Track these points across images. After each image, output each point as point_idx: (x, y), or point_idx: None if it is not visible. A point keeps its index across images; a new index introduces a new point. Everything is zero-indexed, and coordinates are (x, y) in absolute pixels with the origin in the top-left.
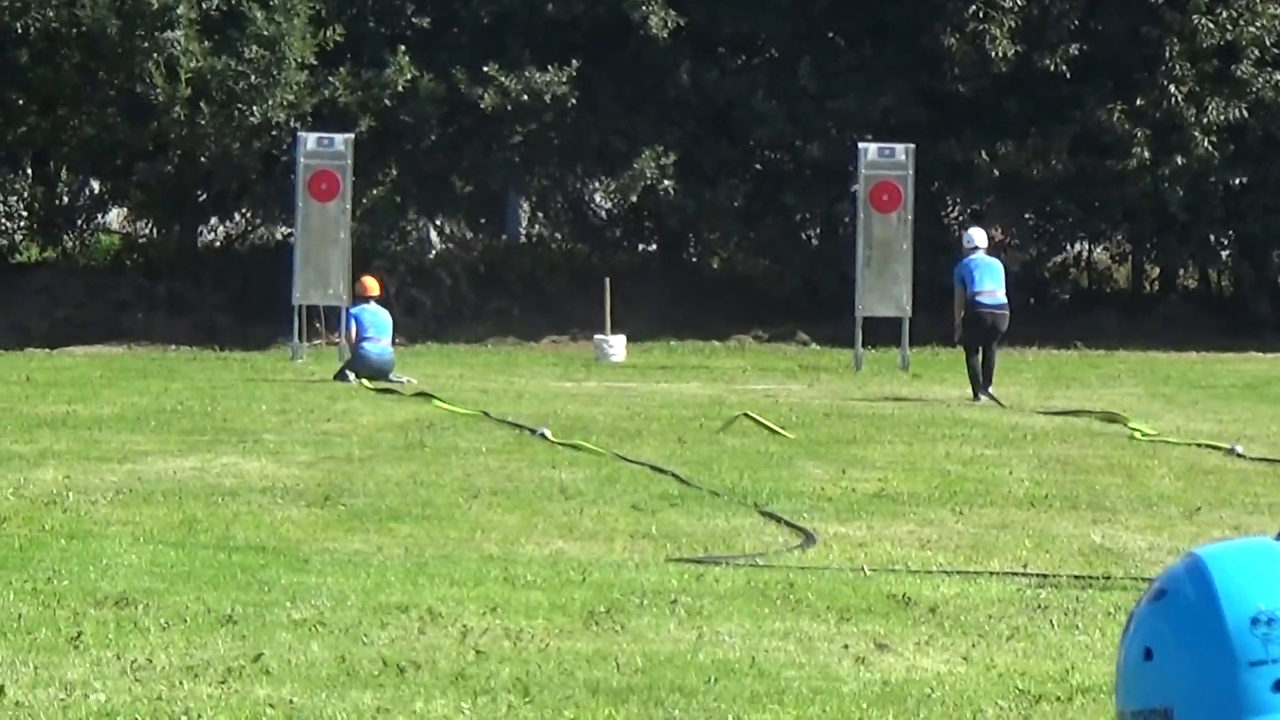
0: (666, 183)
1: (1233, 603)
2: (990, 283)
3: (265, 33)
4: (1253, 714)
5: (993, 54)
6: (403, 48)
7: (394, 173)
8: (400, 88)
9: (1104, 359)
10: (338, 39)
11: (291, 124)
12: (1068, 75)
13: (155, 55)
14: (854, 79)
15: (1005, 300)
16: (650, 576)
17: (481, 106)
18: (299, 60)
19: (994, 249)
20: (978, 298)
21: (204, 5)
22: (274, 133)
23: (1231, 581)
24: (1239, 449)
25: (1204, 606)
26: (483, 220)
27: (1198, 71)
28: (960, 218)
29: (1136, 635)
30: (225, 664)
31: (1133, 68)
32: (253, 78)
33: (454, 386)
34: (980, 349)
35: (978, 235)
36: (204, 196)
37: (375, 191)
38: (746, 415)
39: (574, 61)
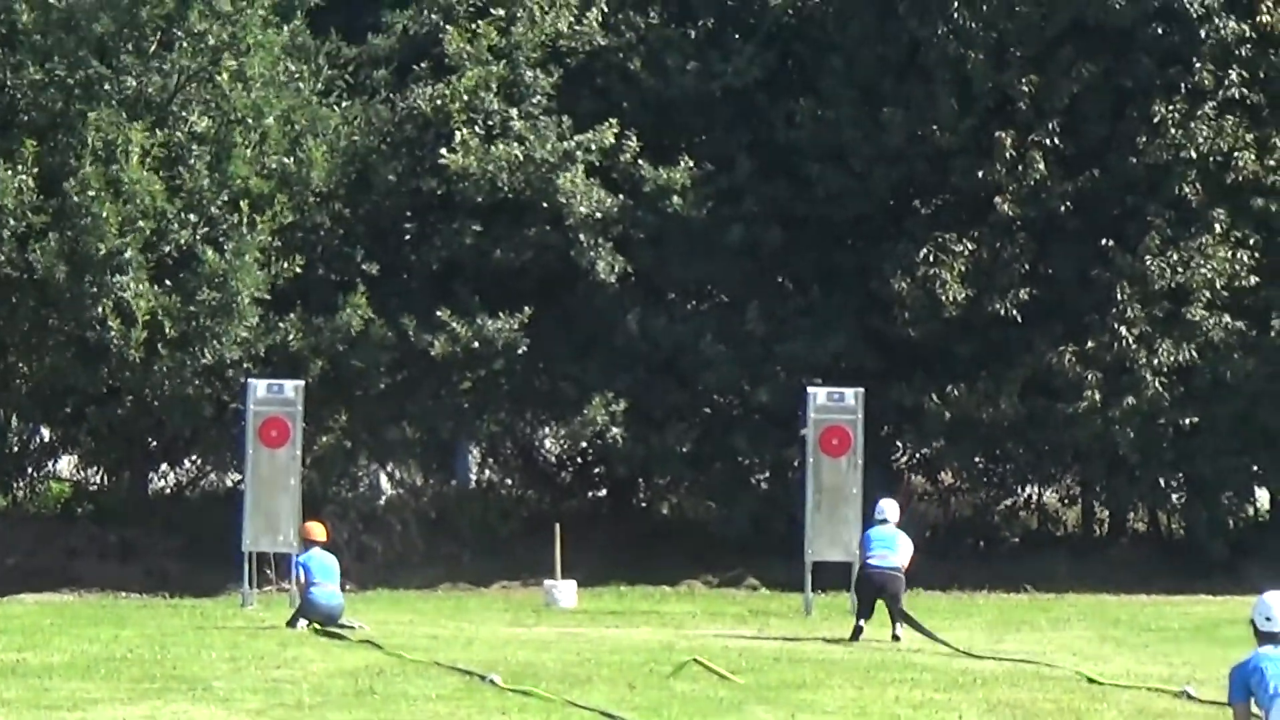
0: (615, 430)
1: None
2: (881, 549)
3: (218, 273)
4: None
5: (943, 298)
6: (362, 288)
7: (344, 419)
8: (353, 331)
9: (1054, 602)
10: (293, 273)
11: (244, 364)
12: (1018, 319)
13: (105, 300)
14: (802, 323)
15: (898, 566)
16: None
17: (432, 353)
18: (252, 296)
19: (944, 493)
20: (868, 561)
21: (155, 249)
22: (229, 373)
23: None
24: (1191, 691)
25: None
26: (433, 466)
27: (1148, 314)
28: (910, 461)
29: None
30: None
31: (1083, 310)
32: (203, 318)
33: (404, 632)
34: (871, 611)
35: (889, 508)
36: (154, 443)
37: (325, 438)
38: (696, 661)
39: (525, 308)
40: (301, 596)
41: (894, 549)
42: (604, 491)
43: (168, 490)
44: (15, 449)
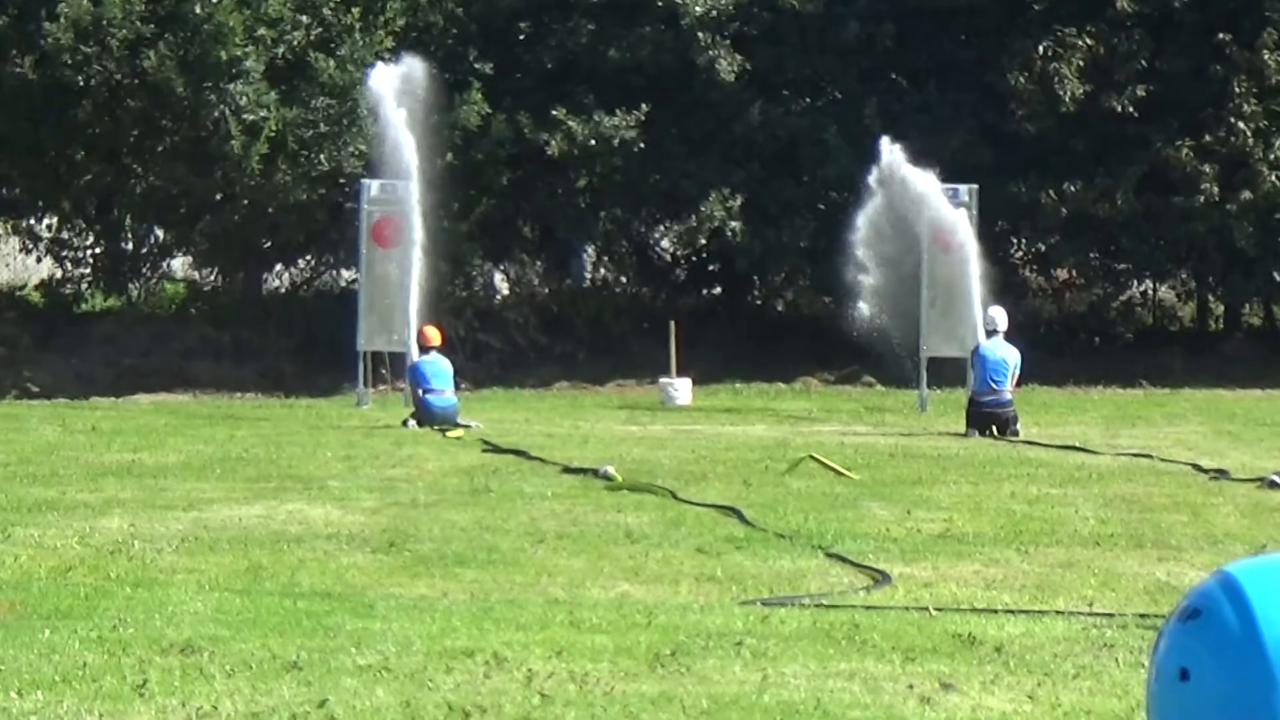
0: (733, 224)
1: (1272, 623)
2: (994, 379)
3: (338, 82)
4: None
5: (1060, 94)
6: (477, 84)
7: (461, 218)
8: (474, 126)
9: (1169, 397)
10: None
11: (361, 169)
12: (1135, 114)
13: (223, 107)
14: (919, 119)
15: (1008, 398)
16: (715, 619)
17: (548, 152)
18: (368, 109)
19: (1060, 288)
20: (980, 396)
21: (272, 55)
22: (342, 180)
23: (1269, 600)
24: (1275, 479)
25: (1242, 627)
26: (549, 264)
27: (1264, 109)
28: (1026, 257)
29: (1170, 655)
30: (290, 710)
31: (1199, 105)
32: (322, 126)
33: (520, 431)
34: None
35: (999, 316)
36: (269, 244)
37: (441, 237)
38: (812, 457)
39: (641, 106)
40: (416, 401)
41: (1005, 376)
42: (719, 289)
43: (282, 290)
44: (129, 249)
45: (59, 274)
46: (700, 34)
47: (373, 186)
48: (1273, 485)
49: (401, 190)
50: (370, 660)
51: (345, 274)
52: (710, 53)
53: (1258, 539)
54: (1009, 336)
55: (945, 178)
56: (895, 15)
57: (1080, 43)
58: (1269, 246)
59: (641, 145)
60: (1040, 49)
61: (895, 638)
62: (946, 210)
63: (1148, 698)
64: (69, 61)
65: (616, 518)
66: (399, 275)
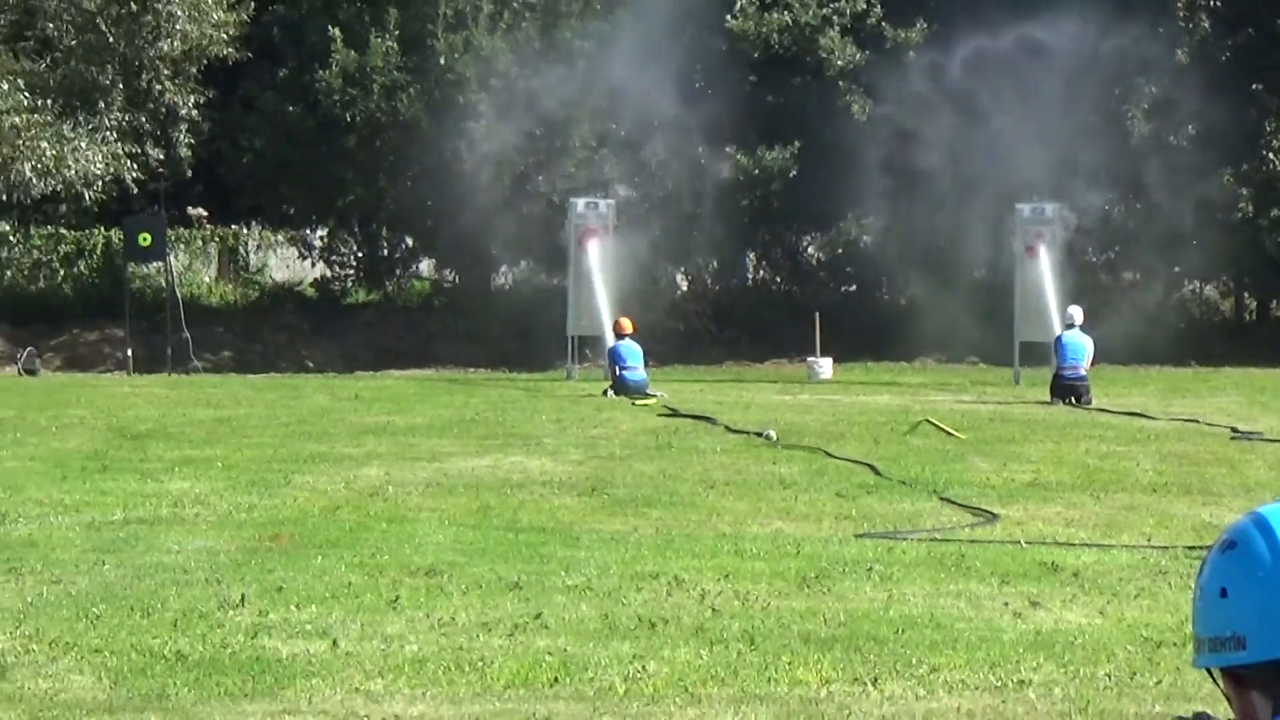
0: (865, 237)
1: None
2: (1073, 360)
3: (555, 117)
4: None
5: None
6: (657, 129)
7: (650, 230)
8: (655, 162)
9: (1212, 374)
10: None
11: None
12: (1187, 147)
13: (461, 141)
14: (1015, 150)
15: (1084, 374)
16: (850, 549)
17: (721, 177)
18: (580, 141)
19: (1126, 287)
20: (1062, 372)
21: (500, 97)
22: (555, 198)
23: None
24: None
25: (1270, 554)
26: (719, 268)
27: None
28: (1097, 261)
29: (1213, 578)
30: (513, 621)
31: (1238, 141)
32: (541, 155)
33: (696, 399)
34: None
35: (1076, 313)
36: (496, 250)
37: (634, 245)
38: (928, 421)
39: (795, 142)
40: (613, 376)
41: (1081, 358)
42: (854, 286)
43: (506, 287)
44: (386, 254)
45: (328, 274)
46: (840, 83)
47: (579, 204)
48: None
49: (603, 208)
50: (575, 581)
51: (556, 274)
52: (847, 97)
53: None
54: (1083, 327)
55: (1037, 197)
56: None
57: (1148, 89)
58: None
59: (794, 173)
60: (1115, 92)
61: (993, 565)
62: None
63: (1194, 613)
64: (338, 101)
65: (772, 469)
66: (600, 274)
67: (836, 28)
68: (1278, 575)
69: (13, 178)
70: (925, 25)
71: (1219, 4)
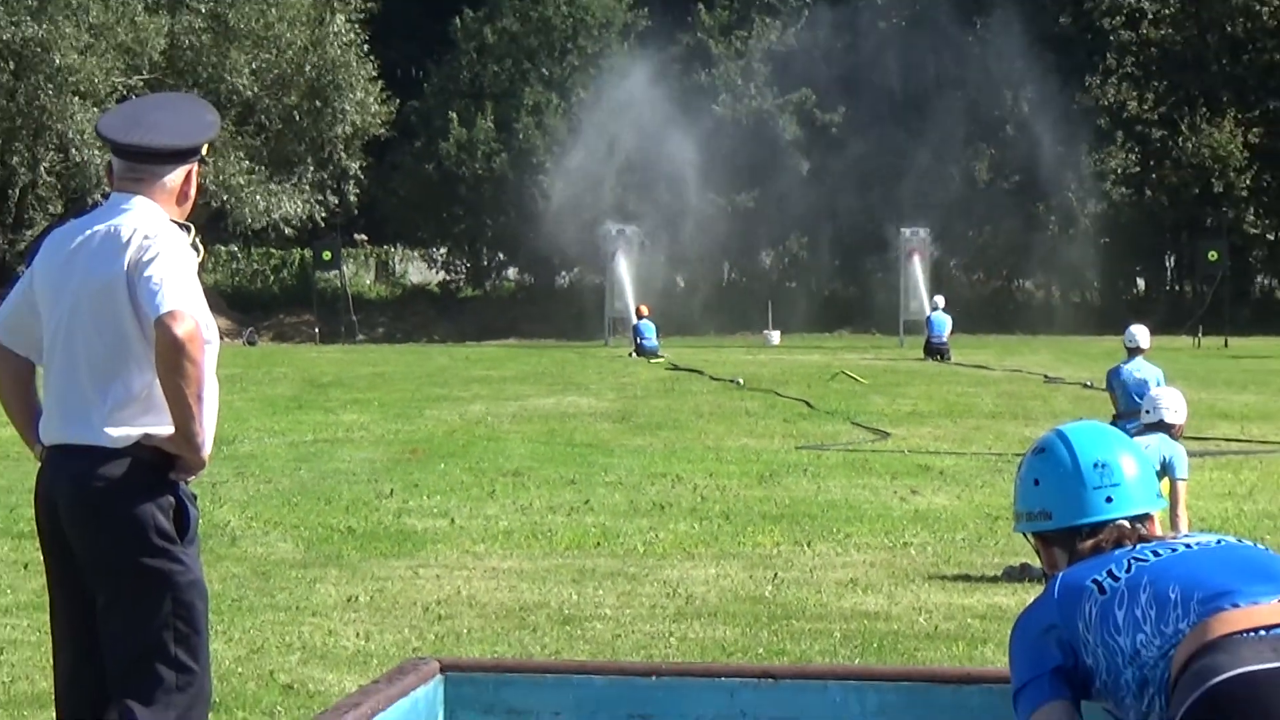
0: (804, 253)
1: (1084, 454)
2: (938, 331)
3: (595, 171)
4: (1093, 515)
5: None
6: (662, 179)
7: (660, 246)
8: (661, 204)
9: (1030, 340)
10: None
11: (610, 216)
12: None
13: (535, 189)
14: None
15: (946, 341)
16: (792, 457)
17: (706, 214)
18: (610, 187)
19: (972, 282)
20: (931, 339)
21: (559, 160)
22: (596, 226)
23: (1084, 442)
24: None
25: (1070, 457)
26: (705, 271)
27: None
28: (954, 265)
29: (1029, 472)
30: (570, 505)
31: None
32: (587, 197)
33: (689, 357)
34: None
35: (939, 300)
36: (558, 260)
37: (648, 256)
38: (843, 371)
39: (756, 189)
40: (635, 344)
41: (944, 330)
42: (794, 284)
43: (565, 285)
44: (485, 264)
45: (447, 277)
46: (787, 149)
47: (612, 229)
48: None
49: (628, 231)
50: (611, 479)
51: (598, 276)
52: (793, 160)
53: (1078, 413)
54: (945, 309)
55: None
56: None
57: (989, 151)
58: None
59: (754, 209)
60: (966, 151)
61: (887, 466)
62: None
63: (1015, 496)
64: (454, 163)
65: (740, 403)
66: (626, 277)
67: (786, 112)
68: (1074, 471)
69: (238, 217)
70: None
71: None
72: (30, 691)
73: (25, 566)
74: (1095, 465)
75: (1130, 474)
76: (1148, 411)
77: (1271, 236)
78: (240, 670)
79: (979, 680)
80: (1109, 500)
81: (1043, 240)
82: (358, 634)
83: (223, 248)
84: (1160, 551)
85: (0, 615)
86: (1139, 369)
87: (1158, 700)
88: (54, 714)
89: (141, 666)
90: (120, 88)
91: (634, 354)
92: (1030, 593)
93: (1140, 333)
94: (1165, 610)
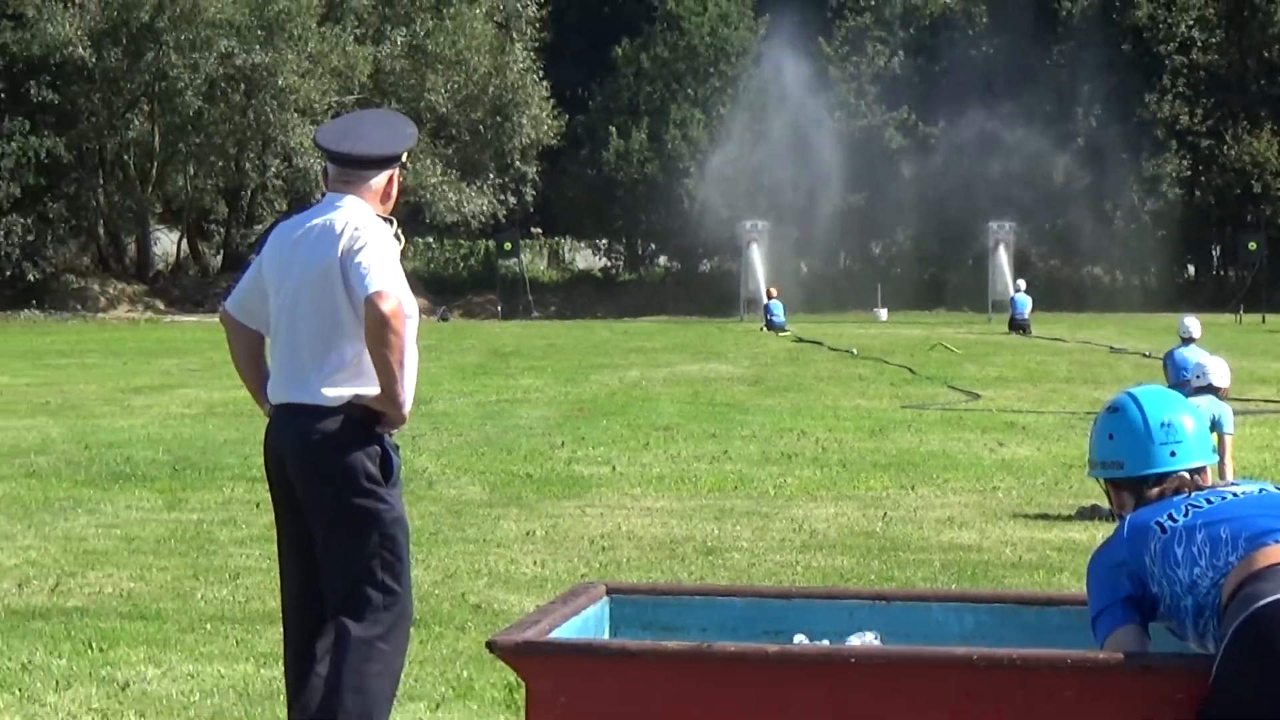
0: (907, 244)
1: (1152, 414)
2: (1021, 309)
3: (729, 174)
4: (1159, 466)
5: None
6: (788, 180)
7: (786, 236)
8: (786, 203)
9: (1098, 318)
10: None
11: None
12: None
13: (681, 190)
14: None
15: (1027, 317)
16: (898, 415)
17: (823, 212)
18: (744, 188)
19: (1050, 269)
20: (1015, 316)
21: (702, 165)
22: (734, 221)
23: (1151, 404)
24: None
25: (1140, 415)
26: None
27: None
28: (1035, 254)
29: (1104, 428)
30: (711, 455)
31: None
32: (723, 196)
33: (812, 331)
34: None
35: (1021, 283)
36: (702, 251)
37: (777, 245)
38: (941, 344)
39: (864, 191)
40: (766, 320)
41: (1025, 309)
42: (899, 270)
43: (707, 270)
44: (640, 252)
45: (608, 263)
46: (894, 155)
47: (746, 223)
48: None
49: (760, 225)
50: (746, 433)
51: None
52: (898, 165)
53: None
54: (1026, 290)
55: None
56: None
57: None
58: None
59: (862, 207)
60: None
61: (978, 422)
62: None
63: (1090, 447)
64: (614, 169)
65: (854, 370)
66: (758, 263)
67: (891, 126)
68: (1144, 429)
69: (433, 213)
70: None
71: (1095, 115)
72: (262, 609)
73: (257, 505)
74: (1162, 424)
75: (1190, 432)
76: (1198, 377)
77: None
78: (437, 592)
79: (1058, 603)
80: (1172, 454)
81: (1109, 233)
82: (535, 562)
83: (421, 239)
84: (1213, 499)
85: (238, 546)
86: (1192, 354)
87: (1211, 622)
88: (281, 629)
89: (354, 589)
90: (334, 105)
91: (764, 329)
92: (1100, 530)
93: (1193, 324)
94: (1217, 547)
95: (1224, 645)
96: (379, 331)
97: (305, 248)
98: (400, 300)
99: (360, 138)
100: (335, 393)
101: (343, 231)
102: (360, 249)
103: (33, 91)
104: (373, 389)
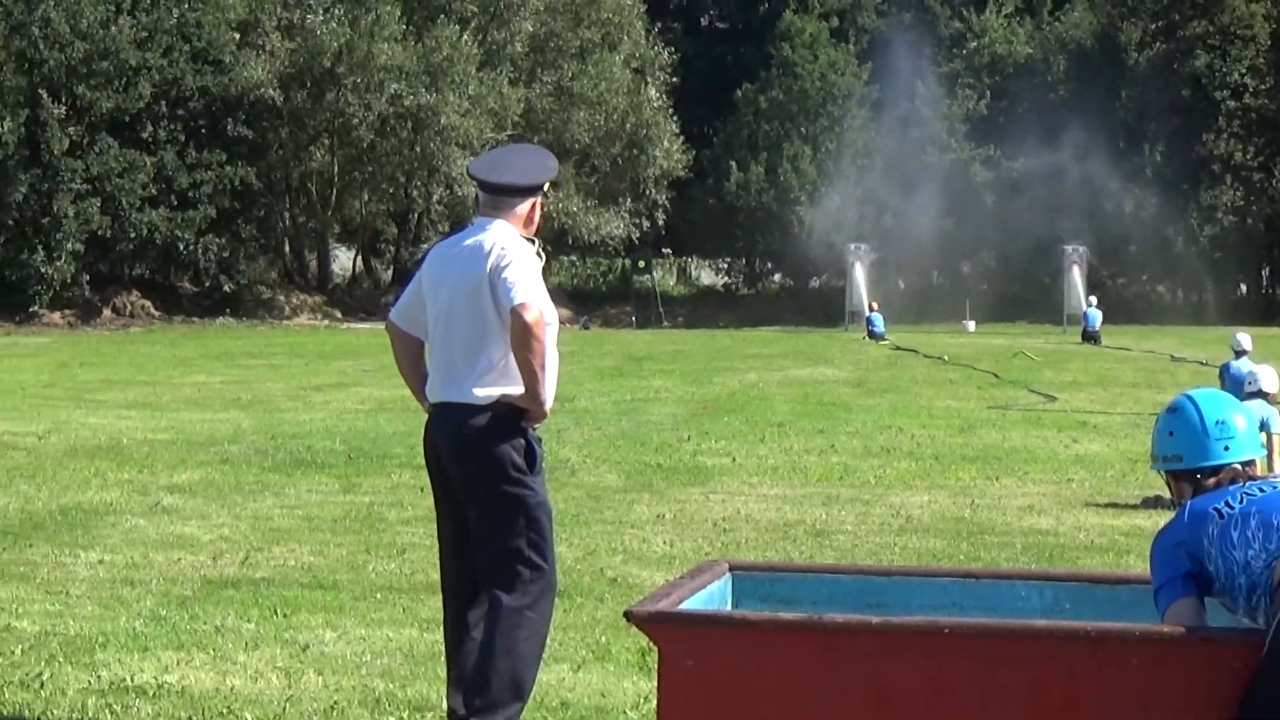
0: (988, 262)
1: (1208, 413)
2: (1092, 321)
3: (836, 204)
4: (1214, 460)
5: None
6: (888, 209)
7: (887, 257)
8: (886, 227)
9: (1157, 330)
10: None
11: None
12: None
13: (794, 217)
14: None
15: (1098, 329)
16: (984, 414)
17: (916, 233)
18: (850, 217)
19: (1117, 287)
20: (1087, 328)
21: (813, 195)
22: (840, 245)
23: (1207, 405)
24: None
25: (1196, 414)
26: (916, 276)
27: None
28: (1105, 273)
29: (1165, 426)
30: (819, 449)
31: None
32: (832, 222)
33: (907, 340)
34: None
35: (1093, 299)
36: (811, 268)
37: (878, 265)
38: (1022, 351)
39: (937, 206)
40: (867, 331)
41: (1096, 322)
42: (985, 286)
43: (817, 286)
44: (758, 270)
45: (729, 280)
46: (969, 171)
47: (851, 246)
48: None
49: (863, 249)
50: (850, 429)
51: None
52: (972, 175)
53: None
54: (1098, 304)
55: (1073, 239)
56: None
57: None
58: None
59: (938, 223)
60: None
61: (1054, 421)
62: None
63: (1153, 442)
64: (734, 196)
65: (945, 374)
66: (861, 279)
67: (977, 161)
68: (1200, 427)
69: (575, 235)
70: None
71: (1159, 152)
72: (425, 581)
73: (421, 490)
74: (1217, 422)
75: (1241, 429)
76: (1249, 383)
77: None
78: (578, 567)
79: (1127, 581)
80: (1226, 449)
81: (1170, 255)
82: (664, 542)
83: (565, 257)
84: (1265, 489)
85: (404, 525)
86: (1244, 366)
87: (1263, 599)
88: (441, 599)
89: (503, 565)
90: (490, 140)
91: (866, 338)
92: (1162, 517)
93: (1245, 338)
94: (1270, 531)
95: (1277, 620)
96: (523, 338)
97: (458, 265)
98: (541, 310)
99: (508, 169)
100: (485, 392)
101: (490, 250)
102: (506, 266)
103: (229, 127)
104: (518, 389)
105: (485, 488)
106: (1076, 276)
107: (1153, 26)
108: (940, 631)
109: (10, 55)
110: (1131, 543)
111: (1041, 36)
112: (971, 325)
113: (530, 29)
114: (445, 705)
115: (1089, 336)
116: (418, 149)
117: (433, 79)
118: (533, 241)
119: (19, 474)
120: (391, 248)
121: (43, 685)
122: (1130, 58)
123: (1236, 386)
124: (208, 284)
